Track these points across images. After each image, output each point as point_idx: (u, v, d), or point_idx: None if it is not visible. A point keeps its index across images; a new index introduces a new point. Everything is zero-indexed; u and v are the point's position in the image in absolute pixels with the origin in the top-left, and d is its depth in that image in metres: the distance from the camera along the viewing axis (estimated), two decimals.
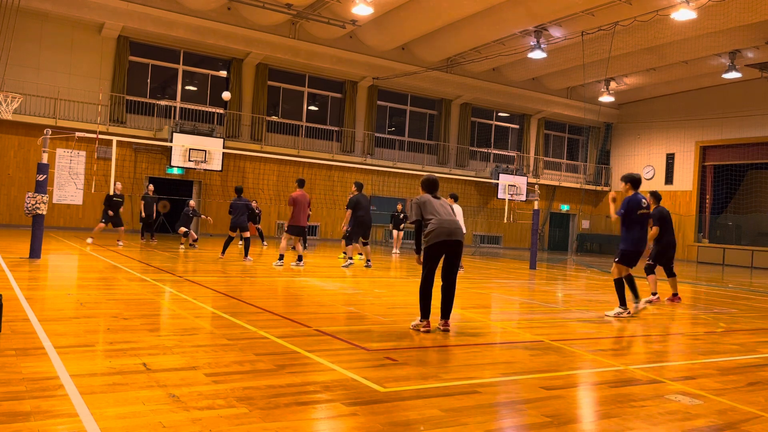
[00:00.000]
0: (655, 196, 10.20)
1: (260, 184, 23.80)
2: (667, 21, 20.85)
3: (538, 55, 23.73)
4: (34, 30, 21.45)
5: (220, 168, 23.35)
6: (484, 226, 30.81)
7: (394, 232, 20.84)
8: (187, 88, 25.03)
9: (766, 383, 4.82)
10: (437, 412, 3.59)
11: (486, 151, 31.53)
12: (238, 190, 14.33)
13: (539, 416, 3.63)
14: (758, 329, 7.87)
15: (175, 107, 24.21)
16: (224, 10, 23.49)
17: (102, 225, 16.09)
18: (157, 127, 23.34)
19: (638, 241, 7.90)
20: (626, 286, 8.22)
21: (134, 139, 19.67)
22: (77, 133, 12.91)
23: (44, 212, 11.27)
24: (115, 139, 13.33)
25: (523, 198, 28.47)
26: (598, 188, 33.86)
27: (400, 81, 27.22)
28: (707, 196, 30.32)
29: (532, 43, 23.60)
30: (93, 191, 20.59)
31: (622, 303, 7.85)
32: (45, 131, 11.77)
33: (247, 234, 14.03)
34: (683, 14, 19.00)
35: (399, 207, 20.79)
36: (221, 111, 24.85)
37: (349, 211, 13.45)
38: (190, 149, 22.12)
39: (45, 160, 11.45)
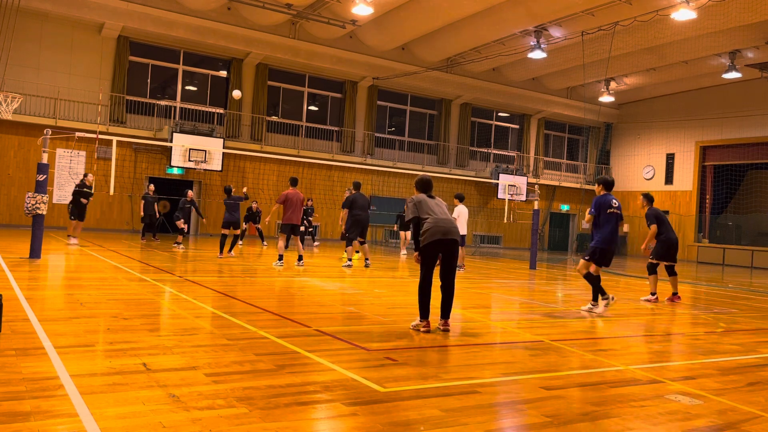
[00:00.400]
0: (648, 197, 10.34)
1: (260, 184, 23.81)
2: (667, 21, 20.85)
3: (538, 55, 23.73)
4: (34, 30, 21.45)
5: (220, 168, 23.36)
6: (484, 226, 30.81)
7: (401, 233, 20.77)
8: (187, 88, 25.03)
9: (766, 383, 4.82)
10: (437, 412, 3.59)
11: (486, 151, 31.53)
12: (228, 190, 14.56)
13: (539, 416, 3.63)
14: (758, 329, 7.87)
15: (175, 107, 24.21)
16: (224, 10, 23.49)
17: (78, 222, 15.44)
18: (157, 127, 23.34)
19: (609, 239, 8.05)
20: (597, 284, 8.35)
21: (134, 139, 19.68)
22: (77, 133, 12.91)
23: (44, 212, 11.27)
24: (115, 139, 13.33)
25: (523, 198, 28.47)
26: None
27: (400, 81, 27.23)
28: (707, 196, 30.32)
29: (532, 43, 23.60)
30: (93, 191, 20.59)
31: (596, 297, 8.00)
32: (45, 131, 11.76)
33: (237, 231, 14.83)
34: (683, 14, 19.00)
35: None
36: (221, 111, 24.85)
37: (345, 210, 13.56)
38: (190, 149, 22.12)
39: (45, 160, 11.45)
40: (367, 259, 13.89)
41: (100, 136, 14.86)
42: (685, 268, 22.49)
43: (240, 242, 19.49)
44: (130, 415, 3.22)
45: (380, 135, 28.61)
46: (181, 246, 15.60)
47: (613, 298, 8.12)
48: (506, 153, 32.18)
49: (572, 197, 33.59)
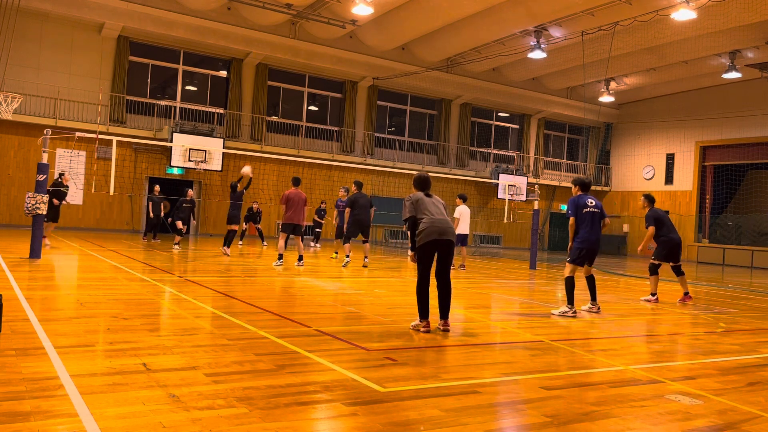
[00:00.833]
0: (648, 198, 10.35)
1: (260, 184, 23.77)
2: (667, 21, 20.85)
3: (538, 55, 23.73)
4: (34, 30, 21.45)
5: (220, 168, 23.36)
6: (484, 226, 30.81)
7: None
8: (187, 88, 25.03)
9: (766, 383, 4.82)
10: (437, 412, 3.59)
11: (486, 151, 31.53)
12: (234, 186, 15.15)
13: (539, 416, 3.63)
14: (758, 329, 7.87)
15: (175, 107, 24.21)
16: (224, 10, 23.49)
17: (52, 224, 14.03)
18: (157, 127, 23.34)
19: (587, 238, 8.02)
20: (587, 287, 8.46)
21: (134, 139, 19.69)
22: (77, 133, 12.91)
23: (44, 212, 11.27)
24: (115, 139, 13.33)
25: (523, 198, 28.47)
26: (599, 188, 33.85)
27: (400, 81, 27.23)
28: (707, 196, 30.32)
29: (532, 43, 23.59)
30: (93, 191, 20.60)
31: (570, 302, 7.88)
32: (45, 131, 11.76)
33: (235, 228, 15.01)
34: (683, 14, 19.00)
35: None
36: (221, 111, 24.86)
37: (347, 210, 13.62)
38: (190, 149, 22.12)
39: (45, 160, 11.45)
40: (366, 257, 13.90)
41: (100, 136, 14.85)
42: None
43: (240, 242, 19.52)
44: (130, 415, 3.22)
45: (380, 135, 28.61)
46: (178, 246, 15.60)
47: (575, 314, 7.86)
48: (506, 153, 32.18)
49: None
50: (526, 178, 29.81)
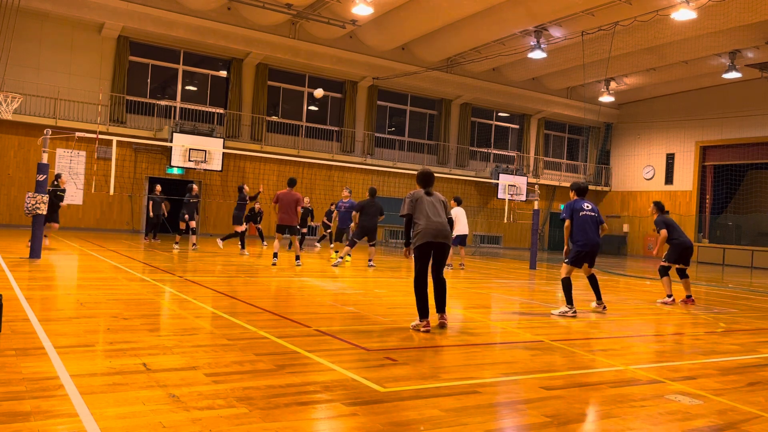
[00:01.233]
0: (658, 206, 10.41)
1: (260, 184, 23.77)
2: (667, 21, 20.85)
3: (538, 55, 23.73)
4: (34, 30, 21.45)
5: (220, 168, 23.36)
6: (484, 226, 30.81)
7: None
8: (187, 88, 25.03)
9: (766, 383, 4.82)
10: (437, 412, 3.59)
11: (486, 151, 31.53)
12: (240, 189, 16.26)
13: (539, 416, 3.63)
14: (758, 329, 7.87)
15: (175, 107, 24.21)
16: (224, 10, 23.49)
17: (55, 225, 13.63)
18: (157, 127, 23.35)
19: (584, 242, 8.14)
20: (590, 287, 8.73)
21: (134, 139, 19.68)
22: (77, 133, 12.91)
23: (44, 212, 11.27)
24: (115, 139, 13.33)
25: (523, 198, 28.47)
26: (599, 188, 33.85)
27: (400, 81, 27.23)
28: (707, 196, 30.31)
29: (532, 43, 23.60)
30: (93, 191, 20.60)
31: (569, 302, 7.97)
32: (45, 131, 11.77)
33: (239, 228, 15.93)
34: (683, 14, 19.00)
35: None
36: (221, 111, 24.86)
37: (356, 214, 13.78)
38: (190, 149, 22.12)
39: (45, 160, 11.45)
40: (370, 260, 13.91)
41: (100, 136, 14.85)
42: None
43: (264, 244, 19.69)
44: (130, 415, 3.22)
45: (380, 135, 28.61)
46: (196, 246, 15.64)
47: (575, 313, 7.89)
48: (506, 153, 32.18)
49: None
50: (526, 178, 29.81)
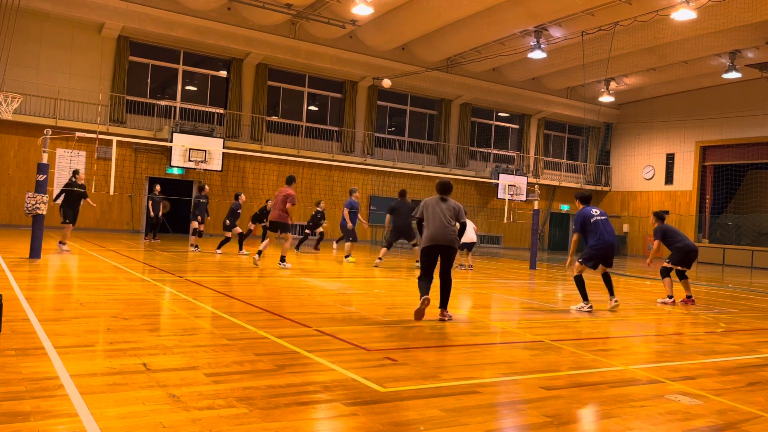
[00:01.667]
0: (658, 216, 10.48)
1: (260, 184, 23.78)
2: (667, 21, 20.84)
3: (538, 55, 23.72)
4: (34, 30, 21.45)
5: (220, 168, 23.36)
6: (484, 226, 30.80)
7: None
8: (187, 88, 25.03)
9: (766, 383, 4.83)
10: (437, 412, 3.59)
11: (486, 151, 31.53)
12: (236, 196, 16.50)
13: (539, 416, 3.63)
14: (758, 329, 7.87)
15: (175, 107, 24.21)
16: (224, 10, 23.49)
17: (70, 225, 13.30)
18: (157, 127, 23.34)
19: (601, 245, 8.45)
20: (603, 283, 8.95)
21: (134, 139, 19.67)
22: (77, 133, 12.90)
23: (44, 212, 11.27)
24: (115, 139, 13.31)
25: (523, 198, 28.47)
26: (599, 188, 33.85)
27: (400, 81, 27.19)
28: (707, 196, 30.31)
29: (532, 43, 23.59)
30: (93, 191, 20.57)
31: (584, 298, 8.39)
32: (45, 131, 11.76)
33: (228, 234, 16.11)
34: (683, 14, 19.00)
35: None
36: (221, 111, 24.86)
37: (388, 216, 13.89)
38: (190, 149, 22.12)
39: (45, 160, 11.45)
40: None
41: (100, 136, 14.85)
42: None
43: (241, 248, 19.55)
44: (130, 415, 3.22)
45: (380, 135, 28.61)
46: (198, 248, 15.53)
47: (591, 308, 8.32)
48: (506, 153, 32.18)
49: (572, 197, 33.36)
50: (526, 178, 29.81)
